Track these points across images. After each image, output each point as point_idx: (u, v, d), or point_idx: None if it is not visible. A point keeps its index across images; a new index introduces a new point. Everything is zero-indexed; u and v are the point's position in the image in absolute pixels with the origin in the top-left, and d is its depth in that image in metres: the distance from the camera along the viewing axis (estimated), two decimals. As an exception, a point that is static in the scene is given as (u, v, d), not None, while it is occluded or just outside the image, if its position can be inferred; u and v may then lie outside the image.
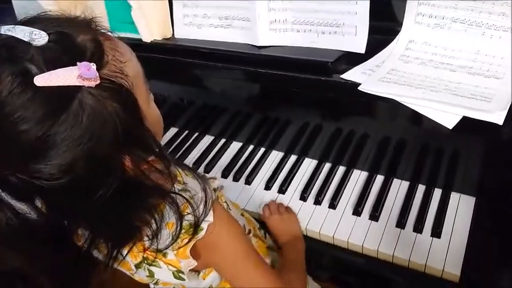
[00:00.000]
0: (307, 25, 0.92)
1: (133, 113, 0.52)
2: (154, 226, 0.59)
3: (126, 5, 0.99)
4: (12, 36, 0.47)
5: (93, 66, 0.47)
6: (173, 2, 1.03)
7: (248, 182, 1.08)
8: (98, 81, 0.48)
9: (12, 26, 0.48)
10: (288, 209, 0.98)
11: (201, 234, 0.63)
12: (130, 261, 0.68)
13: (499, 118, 0.69)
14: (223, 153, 1.18)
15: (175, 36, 1.06)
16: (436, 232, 0.87)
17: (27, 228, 0.52)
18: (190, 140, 1.24)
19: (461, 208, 0.91)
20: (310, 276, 1.00)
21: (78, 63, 0.47)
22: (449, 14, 0.84)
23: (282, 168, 1.10)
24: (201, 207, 0.63)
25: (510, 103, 0.72)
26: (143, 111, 0.54)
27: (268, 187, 1.05)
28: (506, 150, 0.81)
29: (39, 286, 0.58)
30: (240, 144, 1.19)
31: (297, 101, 1.00)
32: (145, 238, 0.61)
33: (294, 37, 0.95)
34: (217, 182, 0.71)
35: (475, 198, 0.92)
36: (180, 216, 0.60)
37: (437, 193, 0.95)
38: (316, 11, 0.90)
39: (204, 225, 0.63)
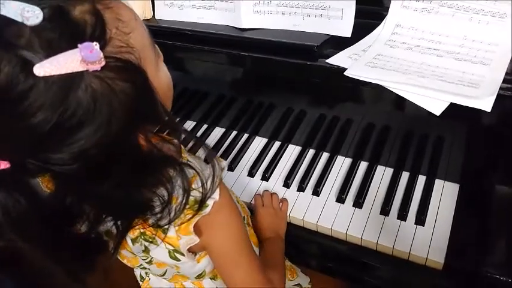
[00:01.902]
0: (292, 8, 0.89)
1: (143, 89, 0.49)
2: (165, 198, 0.57)
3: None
4: (2, 16, 0.42)
5: (96, 46, 0.43)
6: (153, -20, 0.99)
7: (231, 168, 1.06)
8: (103, 63, 0.44)
9: (2, 2, 0.43)
10: (283, 204, 0.95)
11: (206, 210, 0.61)
12: (127, 235, 0.66)
13: (487, 104, 0.68)
14: (205, 139, 1.15)
15: (156, 18, 1.02)
16: (420, 219, 0.86)
17: (34, 210, 0.50)
18: (172, 126, 1.21)
19: (446, 195, 0.91)
20: (298, 268, 0.99)
21: (79, 45, 0.43)
22: (437, -2, 0.82)
23: (266, 155, 1.08)
24: (209, 183, 0.60)
25: (498, 90, 0.71)
26: (153, 81, 0.51)
27: (251, 174, 1.04)
28: (491, 136, 0.80)
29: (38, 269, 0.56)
30: (223, 130, 1.17)
31: (281, 86, 0.98)
32: (151, 213, 0.59)
33: (278, 20, 0.92)
34: (224, 163, 0.69)
35: (459, 185, 0.92)
36: (187, 190, 0.58)
37: (421, 180, 0.95)
38: (302, -8, 0.87)
39: (210, 202, 0.61)
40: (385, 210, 0.90)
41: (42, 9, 0.42)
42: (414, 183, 0.94)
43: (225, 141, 1.14)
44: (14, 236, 0.49)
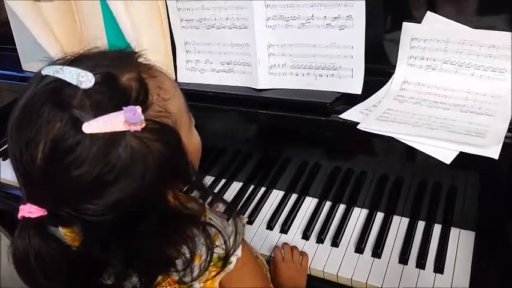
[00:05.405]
0: (306, 69, 0.96)
1: (176, 150, 0.53)
2: (187, 256, 0.59)
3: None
4: (59, 79, 0.49)
5: (139, 109, 0.48)
6: (176, 47, 1.07)
7: (250, 222, 1.08)
8: (144, 125, 0.48)
9: (60, 67, 0.50)
10: (303, 259, 0.96)
11: (230, 267, 0.64)
12: None
13: (494, 152, 0.72)
14: (223, 194, 1.19)
15: (178, 81, 1.10)
16: (439, 267, 0.88)
17: (66, 258, 0.52)
18: (191, 182, 1.25)
19: (462, 243, 0.93)
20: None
21: (123, 108, 0.47)
22: (440, 56, 0.89)
23: (284, 208, 1.11)
24: (231, 240, 0.63)
25: (503, 139, 0.76)
26: (185, 143, 0.55)
27: (270, 227, 1.06)
28: (500, 183, 0.83)
29: None
30: (241, 184, 1.21)
31: (296, 141, 1.03)
32: (174, 270, 0.61)
33: (292, 80, 0.98)
34: (245, 220, 0.72)
35: (474, 233, 0.94)
36: (211, 248, 0.60)
37: (437, 229, 0.97)
38: (314, 55, 0.94)
39: (233, 259, 0.64)
40: (403, 259, 0.91)
41: (94, 74, 0.49)
42: (430, 231, 0.96)
43: (244, 195, 1.17)
44: (45, 282, 0.51)
